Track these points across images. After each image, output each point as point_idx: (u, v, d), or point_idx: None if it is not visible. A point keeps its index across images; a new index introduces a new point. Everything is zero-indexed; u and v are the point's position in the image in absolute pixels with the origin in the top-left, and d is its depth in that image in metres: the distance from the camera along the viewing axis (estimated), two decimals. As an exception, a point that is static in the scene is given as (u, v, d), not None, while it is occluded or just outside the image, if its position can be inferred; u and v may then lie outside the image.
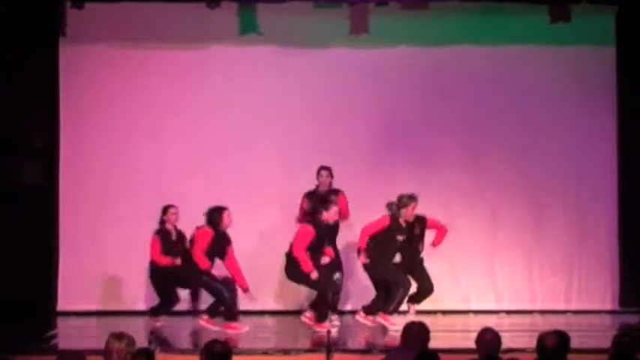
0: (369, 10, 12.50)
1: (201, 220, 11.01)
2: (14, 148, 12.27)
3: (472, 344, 6.76)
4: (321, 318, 10.80)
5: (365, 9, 12.50)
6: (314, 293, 11.27)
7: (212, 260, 10.82)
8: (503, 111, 12.62)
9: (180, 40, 12.46)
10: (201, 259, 10.68)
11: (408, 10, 12.47)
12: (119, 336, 6.25)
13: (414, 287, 11.24)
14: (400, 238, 10.96)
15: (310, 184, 11.98)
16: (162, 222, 11.25)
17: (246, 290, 10.87)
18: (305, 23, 12.48)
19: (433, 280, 11.31)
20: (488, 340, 6.65)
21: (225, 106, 12.47)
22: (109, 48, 12.43)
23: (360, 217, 11.78)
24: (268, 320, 12.00)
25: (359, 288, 11.91)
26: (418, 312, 11.26)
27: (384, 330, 10.92)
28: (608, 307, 12.38)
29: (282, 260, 11.33)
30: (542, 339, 6.48)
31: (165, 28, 12.44)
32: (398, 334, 7.04)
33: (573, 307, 12.34)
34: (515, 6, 12.35)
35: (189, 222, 11.28)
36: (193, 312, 11.50)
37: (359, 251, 11.02)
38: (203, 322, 10.85)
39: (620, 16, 12.53)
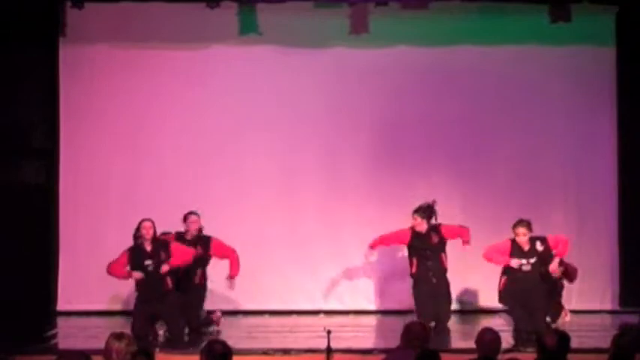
0: (369, 10, 12.50)
1: (201, 218, 11.09)
2: (14, 148, 12.27)
3: (472, 344, 6.76)
4: None
5: (365, 9, 12.50)
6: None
7: None
8: (503, 111, 12.63)
9: (180, 40, 12.46)
10: None
11: (408, 10, 12.46)
12: (119, 336, 6.27)
13: None
14: None
15: (309, 183, 12.06)
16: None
17: None
18: (305, 23, 12.48)
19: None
20: (488, 340, 6.64)
21: (225, 105, 12.48)
22: (109, 48, 12.43)
23: (361, 217, 11.81)
24: (268, 320, 12.01)
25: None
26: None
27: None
28: (608, 307, 12.38)
29: (281, 260, 11.41)
30: (542, 339, 6.49)
31: (165, 28, 12.44)
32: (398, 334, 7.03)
33: (573, 307, 12.30)
34: (515, 6, 12.35)
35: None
36: None
37: None
38: None
39: (620, 16, 12.53)
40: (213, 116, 12.47)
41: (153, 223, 10.72)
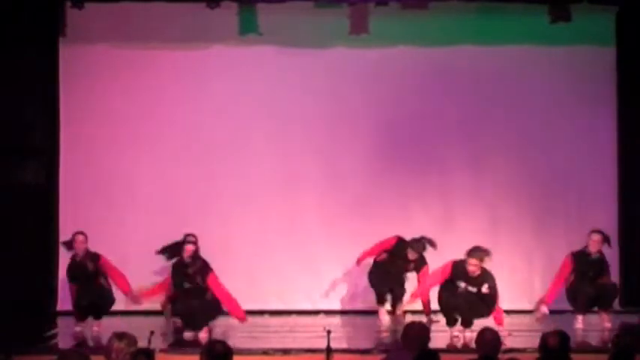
0: (369, 10, 12.50)
1: (201, 218, 11.05)
2: (14, 148, 12.26)
3: (472, 344, 6.76)
4: None
5: (365, 9, 12.50)
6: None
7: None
8: (503, 111, 12.63)
9: (180, 40, 12.46)
10: None
11: (408, 10, 12.47)
12: (120, 336, 6.30)
13: None
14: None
15: (309, 183, 12.09)
16: None
17: None
18: (305, 23, 12.49)
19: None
20: (488, 340, 6.65)
21: (225, 105, 12.48)
22: (109, 48, 12.43)
23: (361, 217, 11.81)
24: (268, 320, 12.01)
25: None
26: (417, 312, 11.30)
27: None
28: (609, 306, 12.37)
29: (281, 260, 11.42)
30: (544, 338, 6.53)
31: (165, 28, 12.45)
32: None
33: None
34: (515, 6, 12.35)
35: (188, 222, 11.30)
36: None
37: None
38: None
39: (620, 16, 12.53)
40: (213, 116, 12.47)
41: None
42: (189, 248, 10.71)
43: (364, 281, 11.95)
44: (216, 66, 12.49)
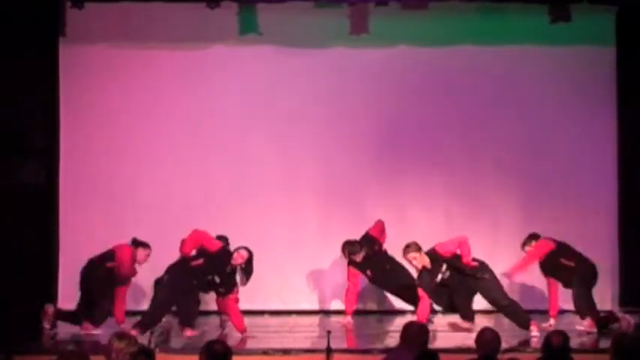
0: (369, 10, 12.51)
1: (201, 218, 11.05)
2: (14, 148, 12.27)
3: (472, 344, 6.77)
4: None
5: (365, 9, 12.51)
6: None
7: None
8: (503, 111, 12.63)
9: (180, 40, 12.46)
10: None
11: (408, 10, 12.48)
12: (121, 336, 6.31)
13: None
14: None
15: (309, 183, 12.07)
16: None
17: None
18: (305, 23, 12.49)
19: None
20: (488, 340, 6.66)
21: (225, 105, 12.48)
22: (109, 48, 12.43)
23: (360, 216, 11.80)
24: (268, 320, 12.01)
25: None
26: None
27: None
28: (608, 307, 12.36)
29: (281, 260, 11.40)
30: (548, 338, 6.57)
31: (165, 28, 12.45)
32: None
33: (573, 307, 12.32)
34: (515, 6, 12.36)
35: (187, 222, 11.30)
36: None
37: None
38: None
39: (620, 16, 12.54)
40: (213, 116, 12.47)
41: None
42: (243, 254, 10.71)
43: (364, 281, 11.95)
44: (216, 66, 12.50)
